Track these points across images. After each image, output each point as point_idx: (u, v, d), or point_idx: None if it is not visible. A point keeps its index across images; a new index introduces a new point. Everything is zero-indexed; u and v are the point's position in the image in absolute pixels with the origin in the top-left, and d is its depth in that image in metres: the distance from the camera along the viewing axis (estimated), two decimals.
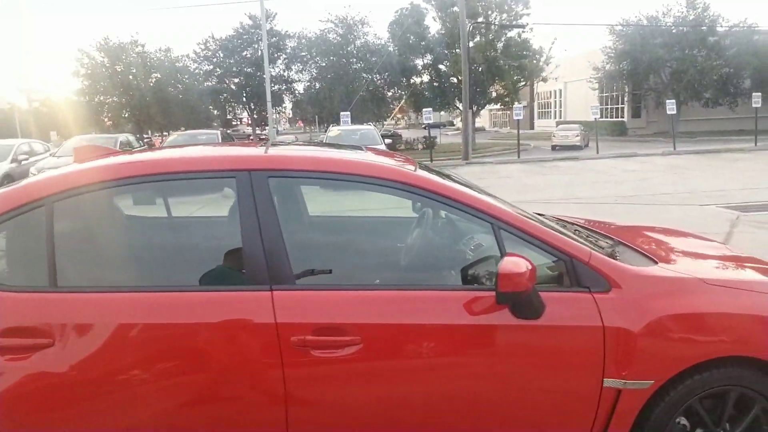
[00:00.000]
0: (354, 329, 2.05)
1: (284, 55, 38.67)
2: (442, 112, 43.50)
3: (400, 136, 35.79)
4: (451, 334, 2.11)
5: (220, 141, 16.32)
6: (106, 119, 35.06)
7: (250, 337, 2.06)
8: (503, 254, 2.12)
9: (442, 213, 2.71)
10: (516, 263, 1.99)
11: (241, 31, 37.67)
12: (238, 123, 47.09)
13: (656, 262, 2.42)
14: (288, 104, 44.59)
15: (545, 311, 2.09)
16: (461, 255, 2.61)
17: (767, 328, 2.23)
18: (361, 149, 2.73)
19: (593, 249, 2.28)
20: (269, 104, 21.36)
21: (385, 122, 39.62)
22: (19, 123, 36.39)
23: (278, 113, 49.67)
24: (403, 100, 37.81)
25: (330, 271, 2.28)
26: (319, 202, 3.29)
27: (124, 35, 37.93)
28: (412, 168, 2.37)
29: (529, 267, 1.99)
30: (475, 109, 32.50)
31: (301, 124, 58.00)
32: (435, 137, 30.96)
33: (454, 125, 64.25)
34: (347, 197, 3.00)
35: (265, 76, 21.36)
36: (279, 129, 58.34)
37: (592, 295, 2.16)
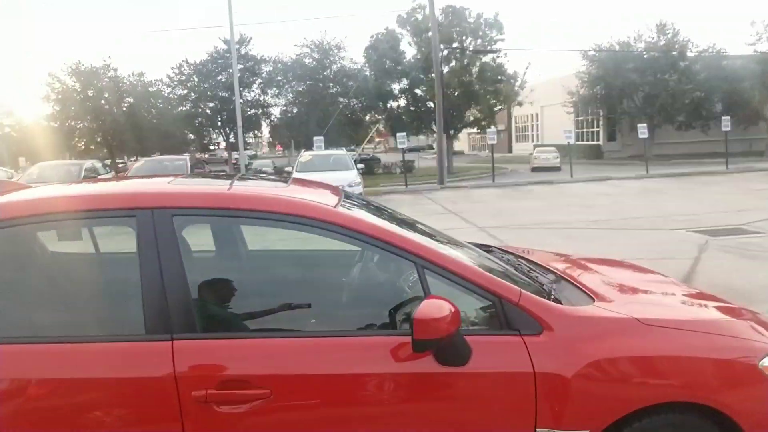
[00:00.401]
0: (262, 381, 1.88)
1: (260, 80, 38.64)
2: (421, 136, 43.74)
3: (379, 160, 35.85)
4: (370, 384, 1.95)
5: (188, 167, 16.03)
6: (78, 144, 34.49)
7: (147, 392, 1.87)
8: (426, 296, 1.97)
9: None
10: (437, 306, 1.84)
11: (215, 55, 37.58)
12: (216, 147, 46.80)
13: (594, 300, 2.29)
14: (265, 128, 44.53)
15: (472, 357, 1.94)
16: (398, 293, 2.45)
17: (711, 371, 2.11)
18: (285, 183, 2.57)
19: (525, 288, 2.14)
20: (239, 129, 21.20)
21: (363, 146, 39.70)
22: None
23: (256, 137, 49.51)
24: (379, 124, 37.98)
25: (243, 316, 2.11)
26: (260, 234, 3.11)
27: (96, 59, 37.41)
28: (332, 203, 2.21)
29: (452, 310, 1.85)
30: (452, 132, 32.69)
31: (280, 148, 57.97)
32: (413, 161, 31.01)
33: (433, 149, 64.88)
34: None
35: (237, 100, 21.24)
36: (258, 153, 58.21)
37: (522, 338, 2.01)
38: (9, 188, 2.41)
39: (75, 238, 2.59)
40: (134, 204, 2.05)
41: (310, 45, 36.90)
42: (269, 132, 46.56)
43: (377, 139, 60.92)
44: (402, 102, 34.99)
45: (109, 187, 2.37)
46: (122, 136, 33.66)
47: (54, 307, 2.13)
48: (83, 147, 34.58)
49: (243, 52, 36.68)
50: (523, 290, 2.10)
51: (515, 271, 2.51)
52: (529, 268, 2.72)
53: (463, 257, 2.29)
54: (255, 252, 2.95)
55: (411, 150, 26.01)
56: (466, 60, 31.73)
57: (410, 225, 2.47)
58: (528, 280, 2.41)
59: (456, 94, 31.30)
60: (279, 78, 37.84)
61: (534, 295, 2.11)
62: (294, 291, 2.54)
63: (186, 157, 17.86)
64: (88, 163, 17.73)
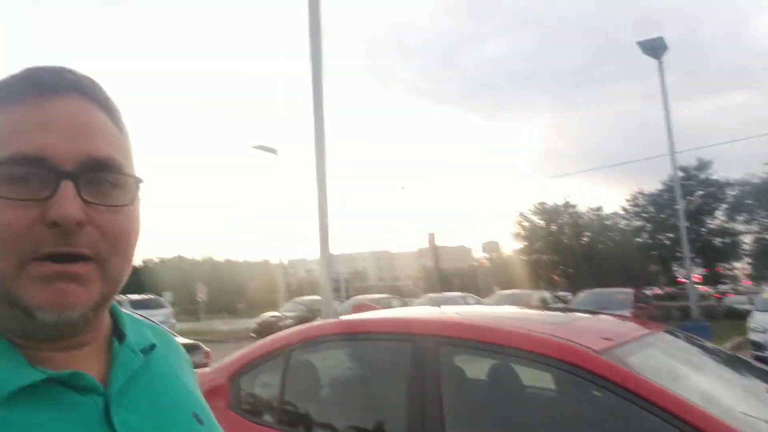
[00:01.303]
0: None
1: (725, 205, 34.73)
2: None
3: None
4: None
5: (632, 300, 15.47)
6: (541, 276, 37.78)
7: None
8: None
9: None
10: None
11: (670, 184, 36.02)
12: (686, 281, 43.45)
13: None
14: (741, 259, 39.09)
15: None
16: None
17: None
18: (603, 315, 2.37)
19: None
20: (686, 260, 19.37)
21: None
22: (479, 278, 42.88)
23: (729, 269, 43.95)
24: None
25: None
26: None
27: (558, 198, 40.94)
28: (604, 346, 1.93)
29: None
30: None
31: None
32: None
33: None
34: None
35: (681, 228, 19.76)
36: (737, 287, 51.10)
37: None
38: (363, 308, 3.00)
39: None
40: (408, 330, 2.29)
41: None
42: (748, 262, 40.60)
43: None
44: None
45: (392, 313, 2.68)
46: (579, 268, 35.22)
47: (335, 416, 2.51)
48: (546, 278, 37.66)
49: (703, 176, 34.05)
50: None
51: None
52: None
53: None
54: (529, 389, 2.72)
55: None
56: None
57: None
58: None
59: None
60: (748, 202, 33.21)
61: None
62: None
63: (630, 290, 17.34)
64: (537, 294, 19.25)
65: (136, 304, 19.62)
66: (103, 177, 0.63)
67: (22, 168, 0.60)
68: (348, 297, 29.63)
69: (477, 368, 2.31)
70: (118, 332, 0.74)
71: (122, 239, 0.64)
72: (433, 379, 2.10)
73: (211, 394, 2.78)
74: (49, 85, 0.63)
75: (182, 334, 11.43)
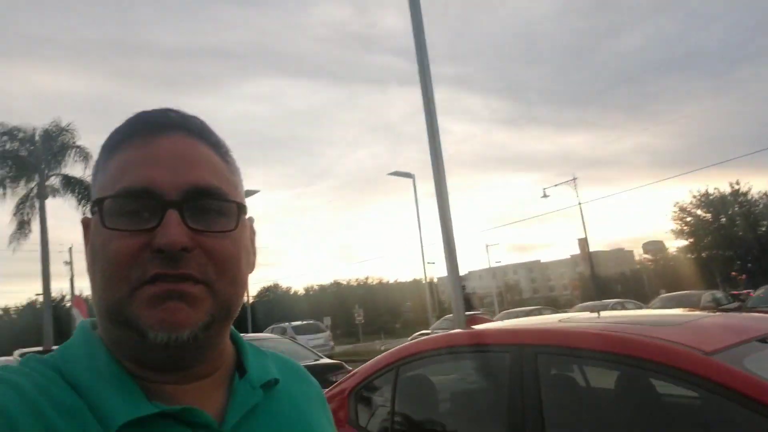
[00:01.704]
0: None
1: None
2: None
3: None
4: None
5: None
6: (714, 275, 34.03)
7: None
8: None
9: None
10: None
11: None
12: None
13: None
14: None
15: None
16: None
17: None
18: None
19: None
20: None
21: None
22: (644, 282, 39.90)
23: None
24: None
25: None
26: None
27: (724, 185, 36.61)
28: (715, 347, 1.75)
29: None
30: None
31: None
32: None
33: None
34: None
35: None
36: None
37: None
38: (476, 321, 3.00)
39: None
40: (508, 340, 2.24)
41: None
42: None
43: None
44: None
45: (497, 324, 2.61)
46: (759, 262, 31.20)
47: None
48: (724, 276, 33.84)
49: None
50: None
51: None
52: None
53: None
54: (632, 395, 2.47)
55: None
56: None
57: None
58: None
59: None
60: None
61: None
62: None
63: None
64: (707, 294, 17.36)
65: (298, 329, 21.03)
66: (206, 204, 0.65)
67: (131, 200, 0.63)
68: (502, 310, 29.03)
69: (578, 376, 2.19)
70: (240, 366, 0.74)
71: (229, 263, 0.65)
72: (532, 389, 2.04)
73: (335, 409, 2.94)
74: (156, 125, 0.67)
75: (342, 355, 11.98)
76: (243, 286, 0.69)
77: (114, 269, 0.62)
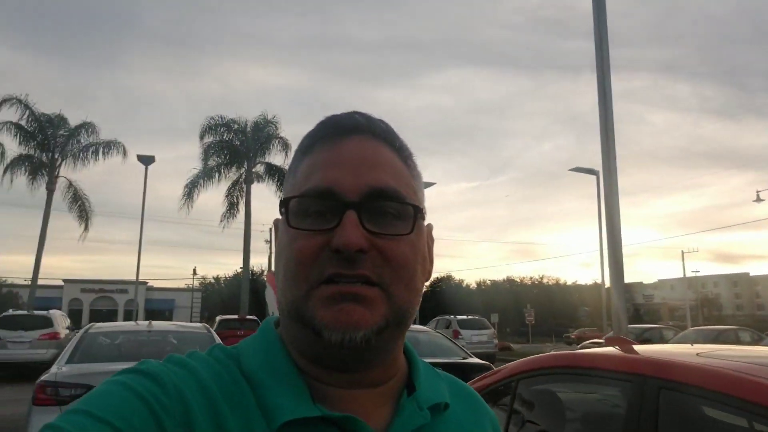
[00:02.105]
0: None
1: None
2: None
3: None
4: None
5: None
6: None
7: None
8: None
9: None
10: None
11: None
12: None
13: None
14: None
15: None
16: None
17: None
18: None
19: None
20: None
21: None
22: None
23: None
24: None
25: None
26: None
27: None
28: None
29: None
30: None
31: None
32: None
33: None
34: None
35: None
36: None
37: None
38: (617, 342, 2.89)
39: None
40: (630, 368, 2.15)
41: None
42: None
43: None
44: None
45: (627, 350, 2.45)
46: None
47: None
48: None
49: None
50: None
51: None
52: None
53: None
54: None
55: None
56: None
57: None
58: None
59: None
60: None
61: None
62: None
63: None
64: None
65: (463, 324, 21.24)
66: (384, 206, 0.65)
67: (315, 201, 0.65)
68: (694, 326, 26.21)
69: (704, 419, 2.02)
70: (410, 385, 0.72)
71: (405, 267, 0.65)
72: (649, 426, 1.96)
73: None
74: (343, 128, 0.69)
75: (512, 354, 11.68)
76: (418, 293, 0.68)
77: (295, 268, 0.64)
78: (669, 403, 1.98)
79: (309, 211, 0.65)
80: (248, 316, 23.02)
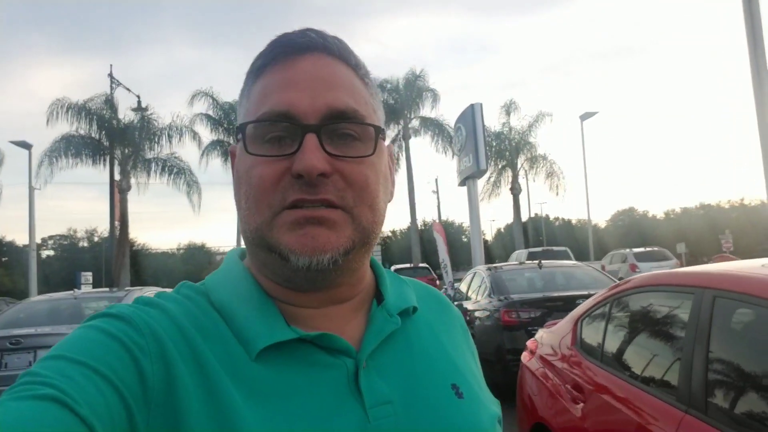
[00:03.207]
0: None
1: None
2: None
3: None
4: None
5: None
6: None
7: None
8: None
9: None
10: None
11: None
12: None
13: None
14: None
15: None
16: None
17: None
18: None
19: None
20: None
21: None
22: None
23: None
24: None
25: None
26: None
27: None
28: None
29: None
30: None
31: None
32: None
33: None
34: None
35: None
36: None
37: None
38: (722, 259, 2.93)
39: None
40: (691, 282, 2.27)
41: None
42: None
43: None
44: None
45: (717, 267, 2.49)
46: None
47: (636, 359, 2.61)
48: None
49: None
50: None
51: None
52: None
53: None
54: None
55: None
56: None
57: None
58: None
59: None
60: None
61: None
62: None
63: None
64: None
65: (640, 257, 20.04)
66: (343, 128, 0.64)
67: (272, 126, 0.63)
68: None
69: (755, 324, 2.05)
70: (379, 295, 0.74)
71: (367, 188, 0.64)
72: (704, 333, 2.09)
73: (567, 336, 3.32)
74: (296, 46, 0.65)
75: None
76: (381, 213, 0.68)
77: (257, 195, 0.63)
78: (722, 310, 2.10)
79: (266, 136, 0.63)
80: (420, 264, 24.26)
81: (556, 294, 6.89)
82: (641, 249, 21.66)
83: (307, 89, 0.63)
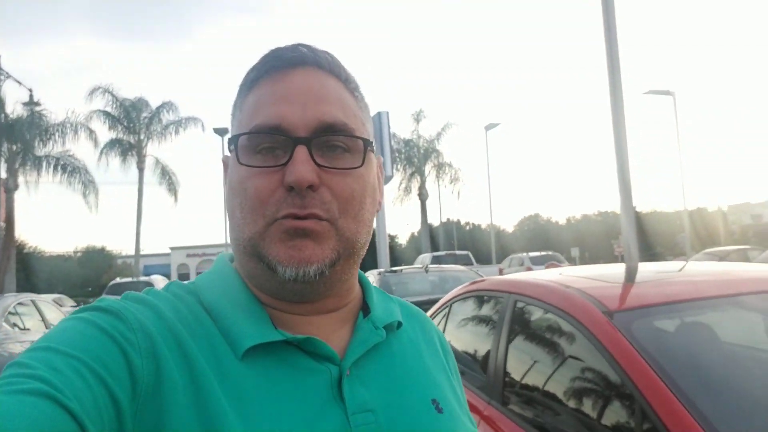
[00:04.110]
0: None
1: None
2: None
3: None
4: None
5: None
6: None
7: None
8: None
9: None
10: None
11: None
12: None
13: None
14: None
15: None
16: None
17: None
18: None
19: None
20: None
21: None
22: None
23: None
24: None
25: None
26: None
27: None
28: (609, 308, 1.83)
29: None
30: None
31: None
32: None
33: None
34: None
35: None
36: None
37: None
38: (551, 267, 3.18)
39: None
40: (503, 288, 2.52)
41: None
42: None
43: None
44: None
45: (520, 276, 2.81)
46: None
47: None
48: None
49: None
50: None
51: None
52: None
53: None
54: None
55: None
56: None
57: None
58: None
59: None
60: None
61: None
62: None
63: None
64: None
65: (535, 260, 21.22)
66: (333, 140, 0.66)
67: (264, 137, 0.65)
68: None
69: (536, 321, 2.37)
70: (365, 307, 0.76)
71: (352, 200, 0.66)
72: (505, 328, 2.37)
73: None
74: (287, 60, 0.67)
75: None
76: (367, 224, 0.69)
77: (253, 206, 0.64)
78: (520, 310, 2.38)
79: (258, 147, 0.65)
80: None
81: (435, 297, 7.16)
82: (537, 253, 22.98)
83: (298, 103, 0.66)
